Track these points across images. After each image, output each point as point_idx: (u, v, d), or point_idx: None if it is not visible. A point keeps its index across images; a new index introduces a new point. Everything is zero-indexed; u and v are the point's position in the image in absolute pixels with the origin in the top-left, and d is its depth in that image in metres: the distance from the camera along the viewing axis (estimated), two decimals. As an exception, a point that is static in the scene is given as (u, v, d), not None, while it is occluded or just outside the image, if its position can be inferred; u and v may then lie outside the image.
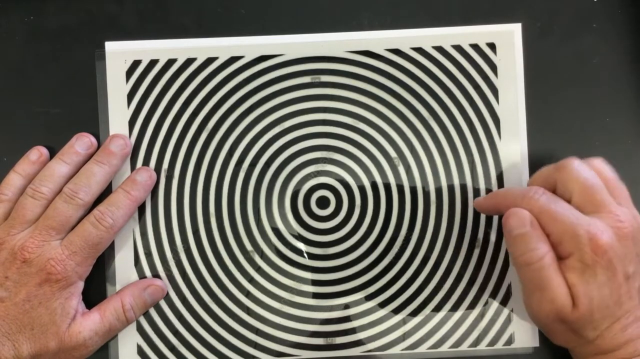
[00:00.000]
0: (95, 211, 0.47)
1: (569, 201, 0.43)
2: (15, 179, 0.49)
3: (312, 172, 0.51)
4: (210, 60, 0.51)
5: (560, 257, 0.42)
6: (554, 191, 0.45)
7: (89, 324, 0.46)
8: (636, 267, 0.42)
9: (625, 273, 0.41)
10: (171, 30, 0.51)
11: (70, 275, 0.46)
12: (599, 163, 0.45)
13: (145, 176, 0.49)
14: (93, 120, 0.51)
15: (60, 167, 0.48)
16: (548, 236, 0.42)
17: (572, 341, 0.44)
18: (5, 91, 0.51)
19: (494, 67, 0.51)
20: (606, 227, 0.41)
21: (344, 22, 0.52)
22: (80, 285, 0.47)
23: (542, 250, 0.41)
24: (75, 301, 0.46)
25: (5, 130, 0.51)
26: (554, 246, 0.42)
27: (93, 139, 0.50)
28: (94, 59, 0.51)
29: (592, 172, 0.44)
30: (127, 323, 0.49)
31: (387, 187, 0.51)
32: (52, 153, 0.50)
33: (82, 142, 0.49)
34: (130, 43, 0.51)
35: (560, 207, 0.42)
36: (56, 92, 0.51)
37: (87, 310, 0.48)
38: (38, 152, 0.49)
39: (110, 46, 0.51)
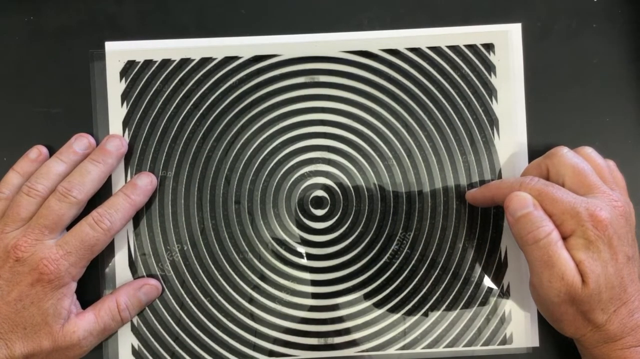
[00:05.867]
0: (93, 213, 0.46)
1: (562, 186, 0.43)
2: (13, 177, 0.47)
3: (307, 172, 0.50)
4: (205, 61, 0.50)
5: (563, 238, 0.42)
6: (546, 179, 0.45)
7: (83, 324, 0.45)
8: (634, 251, 0.42)
9: (625, 253, 0.41)
10: (171, 30, 0.50)
11: (63, 275, 0.44)
12: (588, 151, 0.46)
13: (146, 181, 0.48)
14: (92, 120, 0.49)
15: (56, 165, 0.47)
16: (549, 217, 0.42)
17: (581, 327, 0.43)
18: (5, 90, 0.50)
19: (492, 67, 0.50)
20: (603, 204, 0.41)
21: (345, 22, 0.50)
22: (73, 286, 0.46)
23: (549, 227, 0.41)
24: (68, 301, 0.45)
25: (5, 130, 0.50)
26: (556, 227, 0.42)
27: (92, 140, 0.49)
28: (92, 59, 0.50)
29: (581, 158, 0.44)
30: (122, 322, 0.47)
31: (383, 187, 0.49)
32: (52, 153, 0.49)
33: (80, 143, 0.48)
34: (129, 43, 0.50)
35: (558, 189, 0.42)
36: (56, 92, 0.50)
37: (82, 310, 0.46)
38: (37, 151, 0.48)
39: (110, 46, 0.50)
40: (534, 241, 0.41)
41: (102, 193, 0.48)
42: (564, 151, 0.44)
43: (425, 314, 0.49)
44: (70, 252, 0.44)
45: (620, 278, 0.41)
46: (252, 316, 0.49)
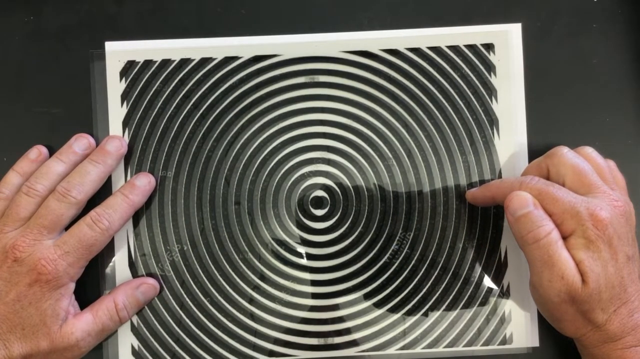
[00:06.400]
0: (92, 213, 0.45)
1: (562, 186, 0.43)
2: (13, 177, 0.47)
3: (307, 172, 0.49)
4: (205, 61, 0.49)
5: (563, 237, 0.41)
6: (547, 178, 0.45)
7: (81, 325, 0.44)
8: (634, 251, 0.42)
9: (625, 253, 0.41)
10: (171, 30, 0.50)
11: (61, 276, 0.43)
12: (588, 151, 0.46)
13: (144, 181, 0.48)
14: (92, 120, 0.49)
15: (56, 165, 0.47)
16: (550, 216, 0.41)
17: (581, 327, 0.42)
18: (5, 90, 0.50)
19: (492, 67, 0.50)
20: (604, 204, 0.41)
21: (345, 22, 0.50)
22: (71, 287, 0.45)
23: (549, 226, 0.41)
24: (66, 302, 0.44)
25: (5, 130, 0.50)
26: (556, 227, 0.41)
27: (92, 140, 0.48)
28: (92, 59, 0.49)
29: (581, 157, 0.44)
30: (121, 322, 0.47)
31: (383, 187, 0.49)
32: (52, 153, 0.48)
33: (80, 143, 0.48)
34: (129, 43, 0.49)
35: (558, 189, 0.42)
36: (56, 92, 0.50)
37: (80, 311, 0.46)
38: (37, 151, 0.48)
39: (110, 46, 0.49)
40: (534, 241, 0.41)
41: (102, 193, 0.47)
42: (564, 151, 0.44)
43: (425, 314, 0.48)
44: (68, 252, 0.44)
45: (620, 277, 0.40)
46: (252, 316, 0.48)
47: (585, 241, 0.40)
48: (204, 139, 0.49)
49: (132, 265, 0.48)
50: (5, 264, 0.43)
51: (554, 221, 0.41)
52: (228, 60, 0.49)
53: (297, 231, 0.49)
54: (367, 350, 0.48)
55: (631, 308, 0.41)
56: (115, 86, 0.49)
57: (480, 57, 0.49)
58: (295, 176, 0.49)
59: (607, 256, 0.40)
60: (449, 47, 0.49)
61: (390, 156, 0.49)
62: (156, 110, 0.49)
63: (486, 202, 0.47)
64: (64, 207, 0.44)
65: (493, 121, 0.49)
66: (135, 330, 0.48)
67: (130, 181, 0.47)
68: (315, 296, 0.48)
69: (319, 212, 0.49)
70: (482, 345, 0.48)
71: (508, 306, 0.48)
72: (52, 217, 0.44)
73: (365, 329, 0.48)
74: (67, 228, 0.46)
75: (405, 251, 0.49)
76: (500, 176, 0.49)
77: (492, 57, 0.49)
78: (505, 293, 0.48)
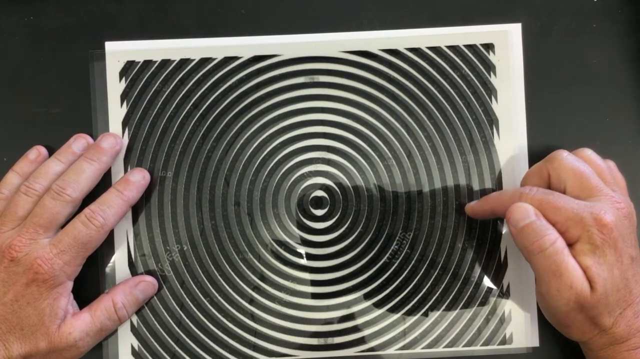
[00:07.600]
0: (86, 210, 0.45)
1: (563, 191, 0.43)
2: (13, 177, 0.47)
3: (307, 173, 0.49)
4: (205, 61, 0.49)
5: (568, 245, 0.41)
6: (547, 185, 0.44)
7: (79, 324, 0.44)
8: (637, 252, 0.42)
9: (630, 254, 0.41)
10: (171, 30, 0.50)
11: (58, 275, 0.43)
12: (588, 153, 0.45)
13: (138, 177, 0.47)
14: (92, 120, 0.49)
15: (55, 165, 0.46)
16: (553, 225, 0.41)
17: (588, 332, 0.42)
18: (5, 90, 0.49)
19: (492, 67, 0.49)
20: (607, 207, 0.40)
21: (345, 22, 0.50)
22: (69, 285, 0.45)
23: (553, 235, 0.40)
24: (64, 301, 0.44)
25: (5, 130, 0.49)
26: (560, 235, 0.41)
27: (90, 140, 0.48)
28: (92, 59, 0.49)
29: (581, 161, 0.43)
30: (120, 321, 0.46)
31: (383, 187, 0.49)
32: (52, 153, 0.48)
33: (79, 143, 0.47)
34: (129, 43, 0.49)
35: (559, 197, 0.41)
36: (56, 92, 0.49)
37: (78, 311, 0.45)
38: (37, 152, 0.48)
39: (110, 46, 0.49)
40: (539, 251, 0.40)
41: (100, 193, 0.47)
42: (564, 155, 0.44)
43: (425, 314, 0.48)
44: (64, 250, 0.43)
45: (625, 279, 0.40)
46: (252, 317, 0.48)
47: (591, 247, 0.40)
48: (203, 139, 0.48)
49: (131, 265, 0.48)
50: (2, 264, 0.43)
51: (557, 230, 0.41)
52: (228, 60, 0.49)
53: (296, 231, 0.48)
54: (367, 350, 0.48)
55: (636, 309, 0.41)
56: (115, 86, 0.49)
57: (480, 57, 0.49)
58: (295, 176, 0.49)
59: (613, 260, 0.40)
60: (449, 47, 0.49)
61: (390, 156, 0.49)
62: (156, 110, 0.48)
63: (485, 215, 0.47)
64: (59, 205, 0.44)
65: (493, 121, 0.49)
66: (135, 330, 0.47)
67: (124, 177, 0.47)
68: (315, 296, 0.48)
69: (319, 213, 0.48)
70: (482, 345, 0.48)
71: (508, 306, 0.48)
72: (47, 216, 0.44)
73: (365, 329, 0.48)
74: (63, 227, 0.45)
75: (405, 251, 0.48)
76: (500, 177, 0.49)
77: (492, 57, 0.49)
78: (505, 293, 0.48)
